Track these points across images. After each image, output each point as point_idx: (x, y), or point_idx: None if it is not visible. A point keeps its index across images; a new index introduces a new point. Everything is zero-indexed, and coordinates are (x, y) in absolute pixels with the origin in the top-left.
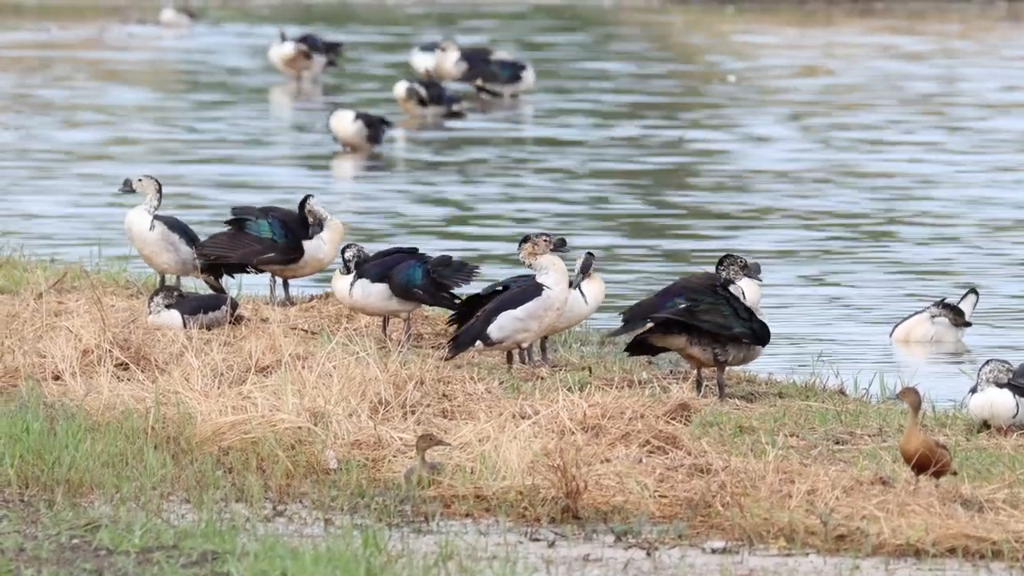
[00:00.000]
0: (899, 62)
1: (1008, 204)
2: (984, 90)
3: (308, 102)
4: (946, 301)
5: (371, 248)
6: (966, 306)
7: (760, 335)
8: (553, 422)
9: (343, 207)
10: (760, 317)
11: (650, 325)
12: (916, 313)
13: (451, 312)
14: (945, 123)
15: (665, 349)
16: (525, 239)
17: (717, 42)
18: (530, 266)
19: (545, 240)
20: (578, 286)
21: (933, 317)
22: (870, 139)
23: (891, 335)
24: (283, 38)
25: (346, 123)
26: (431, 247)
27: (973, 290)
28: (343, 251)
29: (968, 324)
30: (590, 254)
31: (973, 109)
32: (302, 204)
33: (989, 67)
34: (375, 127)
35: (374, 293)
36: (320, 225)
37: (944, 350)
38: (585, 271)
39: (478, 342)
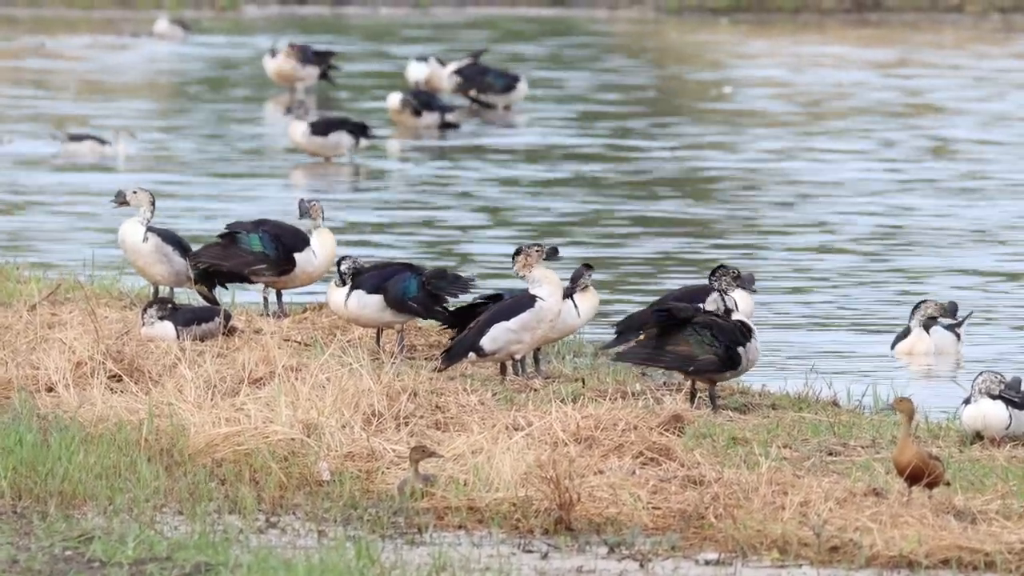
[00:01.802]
0: (882, 74)
1: (977, 216)
2: (947, 99)
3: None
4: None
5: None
6: (963, 327)
7: (727, 360)
8: (546, 434)
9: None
10: (751, 330)
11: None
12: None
13: (443, 323)
14: (911, 134)
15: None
16: (518, 251)
17: (711, 54)
18: (523, 278)
19: (537, 251)
20: (570, 296)
21: (929, 328)
22: (841, 149)
23: (892, 348)
24: (273, 53)
25: (296, 134)
26: (395, 255)
27: (971, 312)
28: (338, 263)
29: (957, 322)
30: (587, 266)
31: (934, 119)
32: (306, 209)
33: (961, 77)
34: (334, 134)
35: (370, 305)
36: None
37: (946, 361)
38: (575, 282)
39: (471, 354)
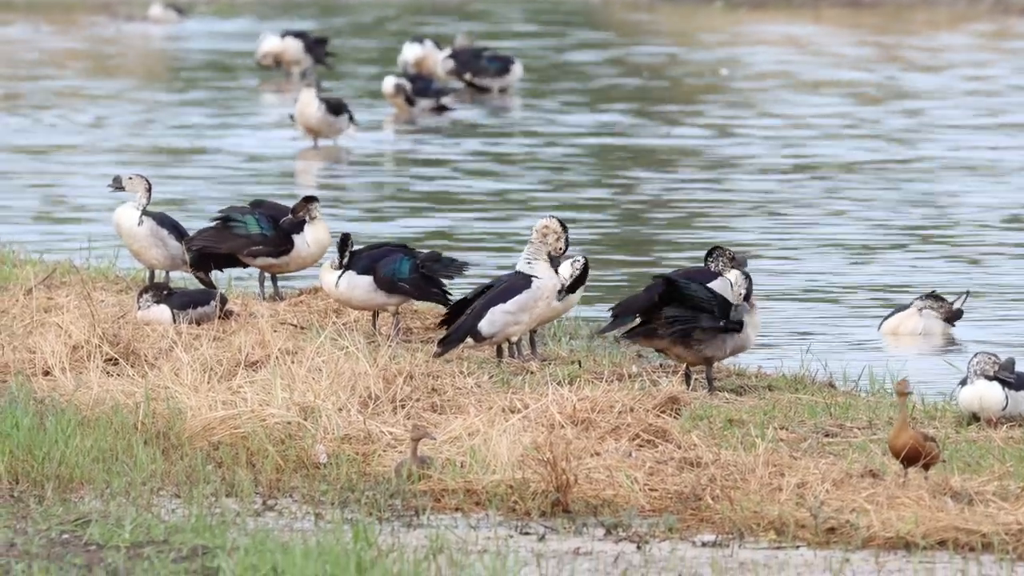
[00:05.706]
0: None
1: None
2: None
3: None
4: (933, 292)
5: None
6: (959, 304)
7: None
8: (543, 416)
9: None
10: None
11: (633, 326)
12: (904, 307)
13: (442, 308)
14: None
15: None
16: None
17: (702, 36)
18: (558, 252)
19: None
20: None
21: (921, 310)
22: (823, 131)
23: (879, 328)
24: (267, 37)
25: (312, 107)
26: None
27: (967, 292)
28: (342, 242)
29: (960, 313)
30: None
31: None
32: (300, 206)
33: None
34: (343, 115)
35: (360, 285)
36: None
37: (933, 343)
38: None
39: (469, 339)
